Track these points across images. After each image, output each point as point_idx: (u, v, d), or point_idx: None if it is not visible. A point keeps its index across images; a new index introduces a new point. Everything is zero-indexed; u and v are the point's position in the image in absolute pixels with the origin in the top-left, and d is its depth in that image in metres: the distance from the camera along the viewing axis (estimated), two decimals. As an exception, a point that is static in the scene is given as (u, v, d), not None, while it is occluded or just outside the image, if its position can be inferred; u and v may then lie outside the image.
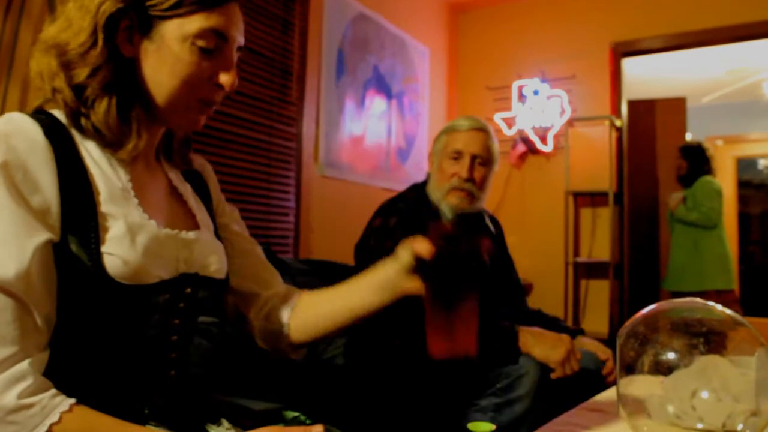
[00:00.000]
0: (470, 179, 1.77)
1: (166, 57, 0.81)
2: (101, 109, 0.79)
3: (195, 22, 0.81)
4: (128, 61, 0.81)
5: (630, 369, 0.86)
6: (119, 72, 0.80)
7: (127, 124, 0.81)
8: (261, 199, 2.70)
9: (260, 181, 2.70)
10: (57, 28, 0.80)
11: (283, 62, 2.84)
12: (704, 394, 0.83)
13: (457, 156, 1.79)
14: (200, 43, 0.82)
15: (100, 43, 0.78)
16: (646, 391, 0.87)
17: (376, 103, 3.46)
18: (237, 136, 2.57)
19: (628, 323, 0.89)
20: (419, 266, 0.86)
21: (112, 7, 0.78)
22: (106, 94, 0.80)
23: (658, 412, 0.86)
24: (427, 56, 3.99)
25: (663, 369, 0.84)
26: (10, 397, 0.66)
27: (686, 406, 0.84)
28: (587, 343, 1.90)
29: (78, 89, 0.79)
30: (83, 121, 0.79)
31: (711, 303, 0.89)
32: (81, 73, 0.78)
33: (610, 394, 1.28)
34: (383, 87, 3.52)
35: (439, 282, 0.83)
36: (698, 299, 0.89)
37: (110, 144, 0.81)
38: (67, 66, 0.78)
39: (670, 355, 0.84)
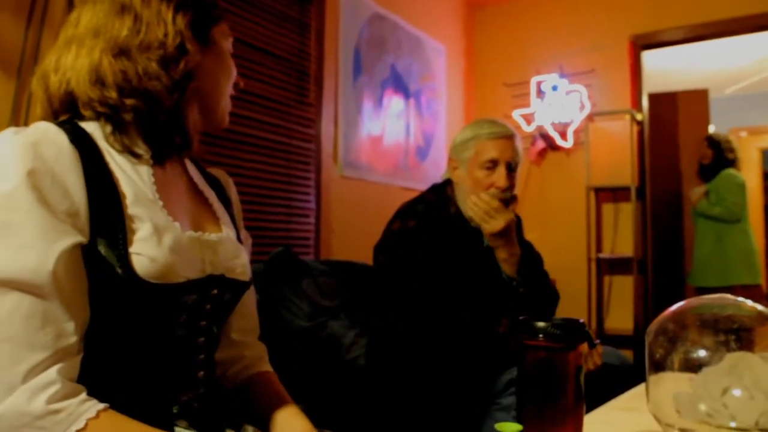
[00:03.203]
0: (508, 188, 1.74)
1: (222, 59, 0.91)
2: (179, 113, 0.86)
3: (225, 24, 0.92)
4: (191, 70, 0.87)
5: (659, 366, 0.84)
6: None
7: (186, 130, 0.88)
8: (281, 201, 2.71)
9: (280, 183, 2.71)
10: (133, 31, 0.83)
11: (300, 64, 2.85)
12: (736, 392, 0.81)
13: (493, 165, 1.75)
14: (230, 43, 0.94)
15: (190, 47, 0.85)
16: (676, 389, 0.85)
17: (394, 102, 3.46)
18: (256, 139, 2.59)
19: (657, 320, 0.88)
20: (519, 378, 0.82)
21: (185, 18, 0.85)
22: (186, 98, 0.86)
23: (688, 410, 0.84)
24: (443, 54, 3.98)
25: (693, 366, 0.82)
26: (39, 403, 0.66)
27: (717, 404, 0.83)
28: None
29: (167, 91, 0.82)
30: (142, 125, 0.83)
31: (741, 299, 0.87)
32: (176, 74, 0.83)
33: (637, 391, 1.27)
34: (400, 86, 3.52)
35: (536, 397, 0.80)
36: (728, 295, 0.88)
37: (166, 148, 0.86)
38: (166, 66, 0.82)
39: (701, 353, 0.83)
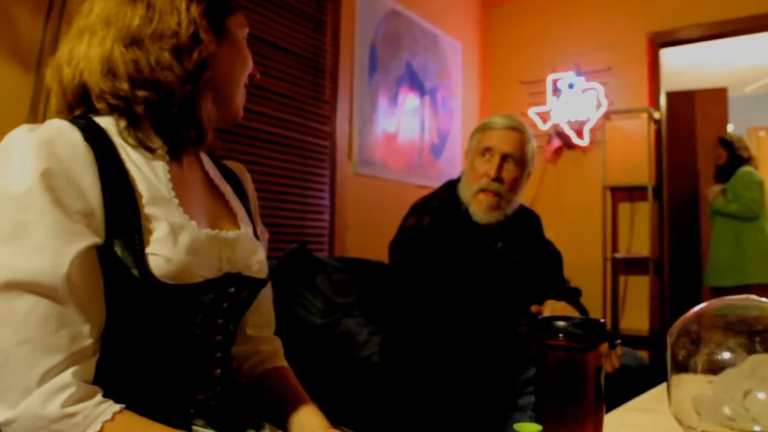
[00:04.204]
0: (498, 179, 1.73)
1: (237, 50, 0.89)
2: (192, 104, 0.82)
3: (240, 14, 0.90)
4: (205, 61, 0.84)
5: (681, 367, 0.83)
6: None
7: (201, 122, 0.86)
8: (296, 198, 2.71)
9: (295, 180, 2.71)
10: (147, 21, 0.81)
11: (315, 60, 2.84)
12: (760, 395, 0.79)
13: (488, 154, 1.76)
14: (245, 33, 0.91)
15: (204, 36, 0.82)
16: (696, 391, 0.84)
17: (409, 99, 3.44)
18: (271, 135, 2.59)
19: (680, 321, 0.86)
20: (538, 378, 0.81)
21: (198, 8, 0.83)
22: (199, 90, 0.84)
23: (709, 412, 0.83)
24: (459, 51, 3.96)
25: (717, 368, 0.81)
26: (54, 407, 0.66)
27: (738, 406, 0.81)
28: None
29: (180, 82, 0.80)
30: (156, 118, 0.81)
31: (765, 299, 0.86)
32: (189, 64, 0.81)
33: (655, 393, 1.25)
34: (416, 83, 3.50)
35: (555, 397, 0.79)
36: (753, 296, 0.86)
37: (179, 141, 0.83)
38: (179, 56, 0.80)
39: (725, 354, 0.81)
